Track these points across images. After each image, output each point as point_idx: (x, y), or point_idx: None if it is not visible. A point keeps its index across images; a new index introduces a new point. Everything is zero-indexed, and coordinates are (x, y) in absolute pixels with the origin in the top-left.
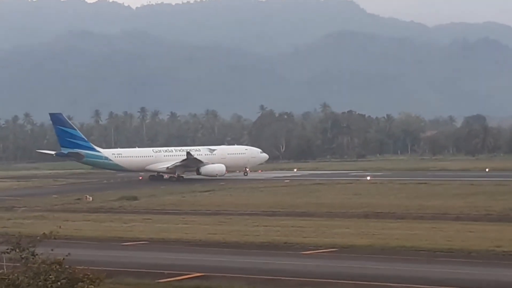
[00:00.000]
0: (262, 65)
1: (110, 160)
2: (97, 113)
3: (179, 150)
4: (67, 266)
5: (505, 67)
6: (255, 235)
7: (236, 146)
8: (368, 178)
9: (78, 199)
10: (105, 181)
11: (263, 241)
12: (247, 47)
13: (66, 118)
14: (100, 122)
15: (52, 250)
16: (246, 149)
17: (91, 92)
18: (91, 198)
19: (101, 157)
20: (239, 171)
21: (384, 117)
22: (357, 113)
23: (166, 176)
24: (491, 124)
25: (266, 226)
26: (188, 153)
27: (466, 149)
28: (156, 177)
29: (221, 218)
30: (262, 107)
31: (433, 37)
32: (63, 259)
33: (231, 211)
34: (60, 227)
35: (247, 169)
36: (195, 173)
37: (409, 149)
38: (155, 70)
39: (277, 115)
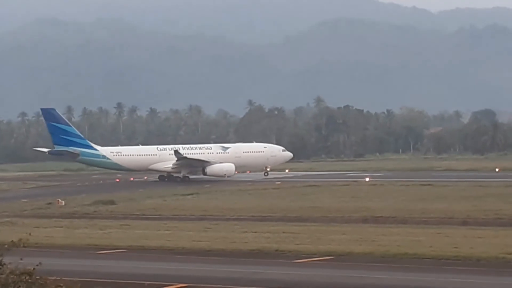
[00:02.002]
0: (250, 56)
1: (108, 158)
2: (69, 109)
3: (188, 148)
4: (38, 277)
5: None
6: (244, 242)
7: (253, 144)
8: (367, 179)
9: (50, 203)
10: (79, 184)
11: (252, 248)
12: (233, 36)
13: (59, 113)
14: (73, 119)
15: (21, 259)
16: (265, 147)
17: (62, 86)
18: (63, 203)
19: (98, 156)
20: (262, 171)
21: (384, 113)
22: (354, 108)
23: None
24: (501, 120)
25: (255, 232)
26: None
27: (474, 147)
28: (166, 178)
29: (206, 223)
30: (250, 102)
31: (437, 24)
32: (34, 269)
33: (217, 216)
34: (30, 234)
35: (268, 169)
36: (202, 174)
37: (411, 148)
38: (132, 61)
39: (266, 110)
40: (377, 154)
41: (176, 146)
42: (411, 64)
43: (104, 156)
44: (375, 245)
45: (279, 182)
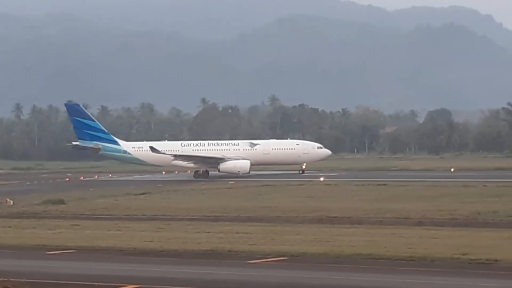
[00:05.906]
0: (204, 53)
1: (129, 153)
2: (18, 107)
3: (212, 144)
4: None
5: (472, 56)
6: (197, 242)
7: (285, 140)
8: (322, 179)
9: None
10: (28, 183)
11: (205, 249)
12: (187, 33)
13: (83, 108)
14: (22, 117)
15: None
16: (297, 144)
17: (11, 83)
18: (12, 202)
19: (119, 151)
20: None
21: (339, 112)
22: (309, 107)
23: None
24: (457, 119)
25: (208, 232)
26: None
27: (429, 147)
28: (200, 173)
29: (158, 223)
30: (204, 100)
31: (393, 23)
32: None
33: (170, 216)
34: None
35: (303, 167)
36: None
37: (367, 147)
38: (84, 58)
39: (220, 109)
40: (332, 153)
41: (202, 142)
42: (367, 62)
43: (125, 151)
44: (329, 246)
45: (232, 182)
